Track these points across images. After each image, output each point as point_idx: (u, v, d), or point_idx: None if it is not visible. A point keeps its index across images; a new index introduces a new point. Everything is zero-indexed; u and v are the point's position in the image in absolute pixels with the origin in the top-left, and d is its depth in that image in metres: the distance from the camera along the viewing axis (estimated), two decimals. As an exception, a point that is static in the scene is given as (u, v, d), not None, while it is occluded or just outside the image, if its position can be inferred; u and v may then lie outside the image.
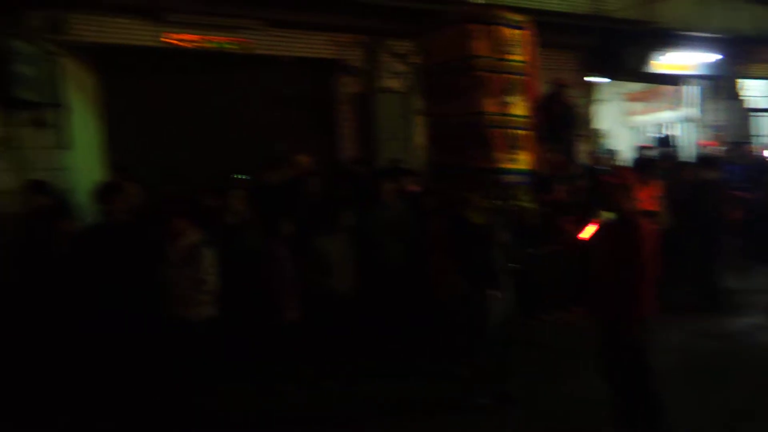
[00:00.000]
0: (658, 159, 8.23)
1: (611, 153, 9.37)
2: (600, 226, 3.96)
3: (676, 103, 11.93)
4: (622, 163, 8.42)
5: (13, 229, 5.56)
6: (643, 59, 10.08)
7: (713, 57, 10.92)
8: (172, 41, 6.89)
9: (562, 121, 7.63)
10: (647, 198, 5.74)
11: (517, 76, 4.66)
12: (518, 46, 4.65)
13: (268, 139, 7.33)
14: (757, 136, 12.07)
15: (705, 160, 7.41)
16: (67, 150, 6.36)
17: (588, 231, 4.14)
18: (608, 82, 10.68)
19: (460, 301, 4.53)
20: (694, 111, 11.73)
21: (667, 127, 12.20)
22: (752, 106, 12.08)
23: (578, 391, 4.59)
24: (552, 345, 5.59)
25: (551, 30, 5.61)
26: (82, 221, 5.36)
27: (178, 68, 7.20)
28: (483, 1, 5.66)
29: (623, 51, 9.67)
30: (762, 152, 10.72)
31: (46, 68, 6.08)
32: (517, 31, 4.66)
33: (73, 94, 6.45)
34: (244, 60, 7.45)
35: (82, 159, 6.50)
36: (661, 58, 10.34)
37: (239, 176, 5.78)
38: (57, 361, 4.70)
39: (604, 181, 4.11)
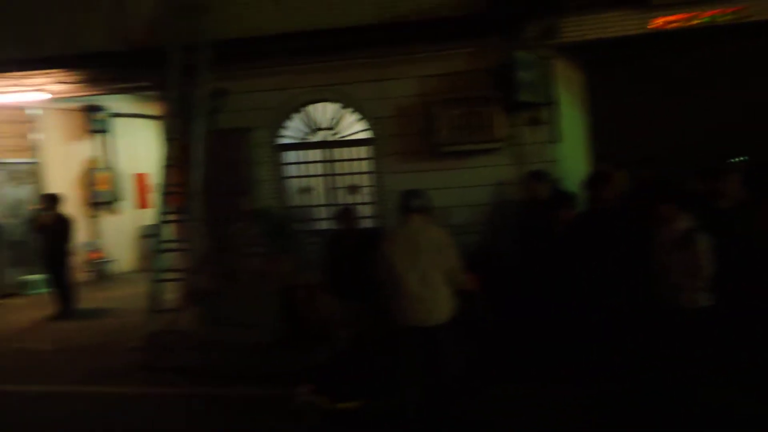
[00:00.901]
0: None
1: None
2: None
3: None
4: None
5: (514, 215, 6.47)
6: None
7: None
8: (659, 26, 6.77)
9: None
10: None
11: None
12: None
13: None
14: None
15: None
16: (558, 143, 6.97)
17: None
18: None
19: None
20: None
21: None
22: None
23: None
24: None
25: None
26: (577, 209, 5.74)
27: (662, 52, 7.05)
28: None
29: None
30: None
31: (541, 71, 6.79)
32: None
33: (562, 92, 7.02)
34: (737, 31, 6.73)
35: (570, 151, 7.04)
36: None
37: (737, 159, 5.32)
38: (552, 336, 5.15)
39: None
